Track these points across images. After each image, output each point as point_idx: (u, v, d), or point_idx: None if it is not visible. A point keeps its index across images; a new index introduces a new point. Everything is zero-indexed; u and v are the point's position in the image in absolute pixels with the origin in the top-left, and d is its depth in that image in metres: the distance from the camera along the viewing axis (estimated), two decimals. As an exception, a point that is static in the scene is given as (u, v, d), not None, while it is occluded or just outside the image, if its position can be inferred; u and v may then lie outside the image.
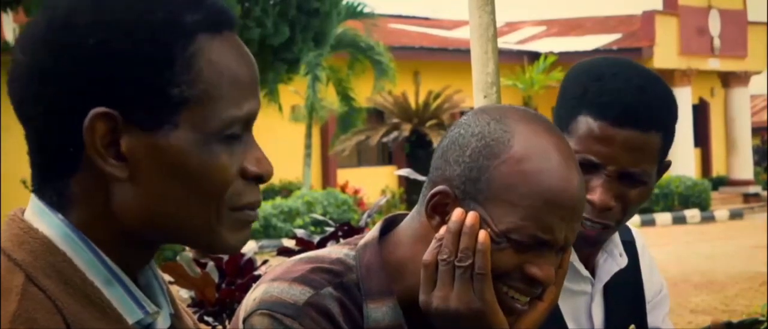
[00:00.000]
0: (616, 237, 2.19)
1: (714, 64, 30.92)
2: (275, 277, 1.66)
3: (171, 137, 1.27)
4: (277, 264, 1.75)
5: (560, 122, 2.06)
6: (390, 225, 1.74)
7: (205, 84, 1.28)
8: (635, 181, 2.03)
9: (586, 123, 2.02)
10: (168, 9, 1.27)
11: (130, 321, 1.30)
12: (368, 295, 1.66)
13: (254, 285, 1.68)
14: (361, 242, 1.71)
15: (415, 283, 1.66)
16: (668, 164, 2.13)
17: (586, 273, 2.14)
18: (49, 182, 1.30)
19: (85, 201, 1.29)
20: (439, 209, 1.63)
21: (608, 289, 2.18)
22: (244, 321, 1.63)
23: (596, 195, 2.01)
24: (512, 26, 34.63)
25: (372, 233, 1.72)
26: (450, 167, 1.63)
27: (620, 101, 2.01)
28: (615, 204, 2.03)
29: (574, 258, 2.12)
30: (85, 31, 1.25)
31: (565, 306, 2.11)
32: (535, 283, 1.62)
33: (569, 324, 2.12)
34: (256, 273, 6.38)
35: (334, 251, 1.72)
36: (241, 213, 1.33)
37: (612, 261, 2.17)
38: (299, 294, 1.62)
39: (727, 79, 32.04)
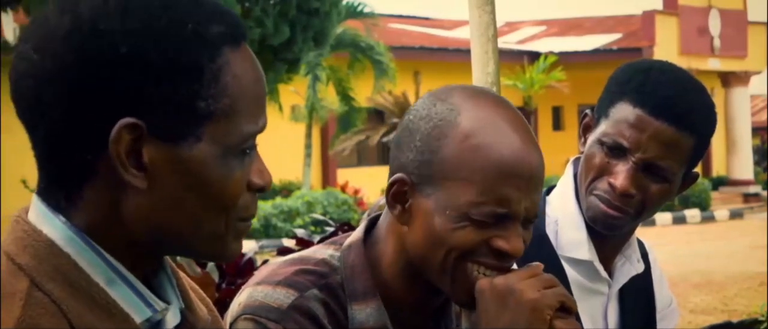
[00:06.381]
0: (635, 243, 2.22)
1: (714, 64, 30.91)
2: (260, 281, 1.65)
3: (194, 150, 1.26)
4: (263, 266, 1.74)
5: (601, 107, 2.10)
6: (374, 224, 1.73)
7: (229, 98, 1.27)
8: (659, 176, 2.05)
9: (623, 109, 2.05)
10: (195, 20, 1.25)
11: (138, 320, 1.29)
12: (353, 297, 1.65)
13: (241, 289, 1.67)
14: (346, 242, 1.70)
15: (391, 278, 1.66)
16: (695, 177, 2.14)
17: (604, 274, 2.17)
18: (58, 186, 1.28)
19: (94, 207, 1.27)
20: (398, 198, 1.63)
21: (623, 293, 2.21)
22: (230, 326, 1.62)
23: (618, 179, 2.04)
24: (512, 26, 34.63)
25: (356, 233, 1.71)
26: (403, 154, 1.63)
27: (661, 93, 2.03)
28: (635, 193, 2.05)
29: (594, 258, 2.15)
30: (115, 40, 1.22)
31: (582, 305, 2.13)
32: (504, 257, 1.60)
33: (585, 322, 2.14)
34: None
35: (319, 251, 1.71)
36: (244, 223, 1.34)
37: (629, 265, 2.20)
38: (283, 297, 1.61)
39: (727, 79, 32.02)
